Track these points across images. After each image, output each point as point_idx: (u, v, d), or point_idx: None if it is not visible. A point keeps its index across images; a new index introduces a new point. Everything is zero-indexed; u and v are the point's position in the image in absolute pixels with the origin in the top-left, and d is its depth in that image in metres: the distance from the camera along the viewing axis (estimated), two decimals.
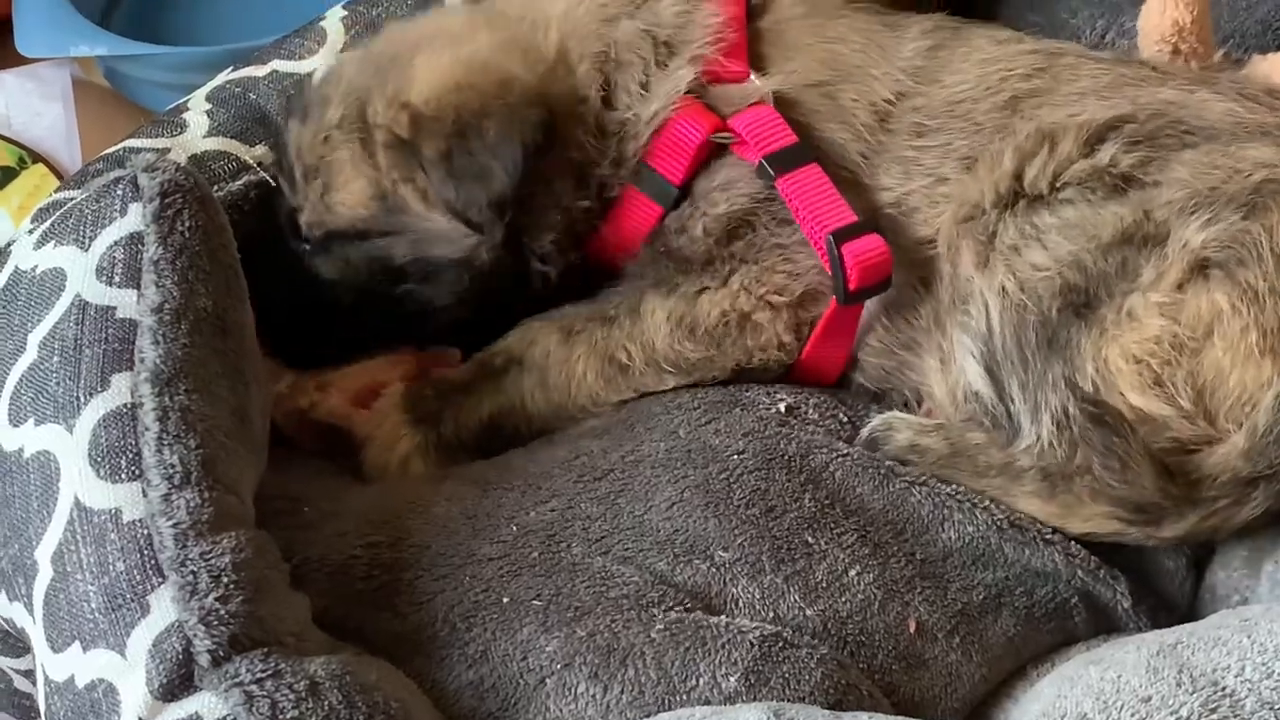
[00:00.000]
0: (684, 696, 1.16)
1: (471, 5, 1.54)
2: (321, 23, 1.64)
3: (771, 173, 1.38)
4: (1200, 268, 1.26)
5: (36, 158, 1.87)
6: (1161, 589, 1.34)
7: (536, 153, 1.38)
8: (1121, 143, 1.33)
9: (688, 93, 1.43)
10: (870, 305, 1.40)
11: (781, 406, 1.38)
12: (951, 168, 1.40)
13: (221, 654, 1.06)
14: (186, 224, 1.22)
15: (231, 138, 1.53)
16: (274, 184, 1.49)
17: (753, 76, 1.44)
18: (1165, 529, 1.26)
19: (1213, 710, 1.03)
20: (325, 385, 1.44)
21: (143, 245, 1.21)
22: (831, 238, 1.35)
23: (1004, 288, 1.32)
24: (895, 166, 1.42)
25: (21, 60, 1.96)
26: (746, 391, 1.39)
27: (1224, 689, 1.05)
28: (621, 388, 1.41)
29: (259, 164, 1.51)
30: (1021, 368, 1.31)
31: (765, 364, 1.42)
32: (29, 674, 1.27)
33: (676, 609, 1.21)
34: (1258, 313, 1.25)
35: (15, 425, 1.18)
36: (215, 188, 1.44)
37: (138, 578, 1.09)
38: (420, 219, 1.42)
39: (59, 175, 1.83)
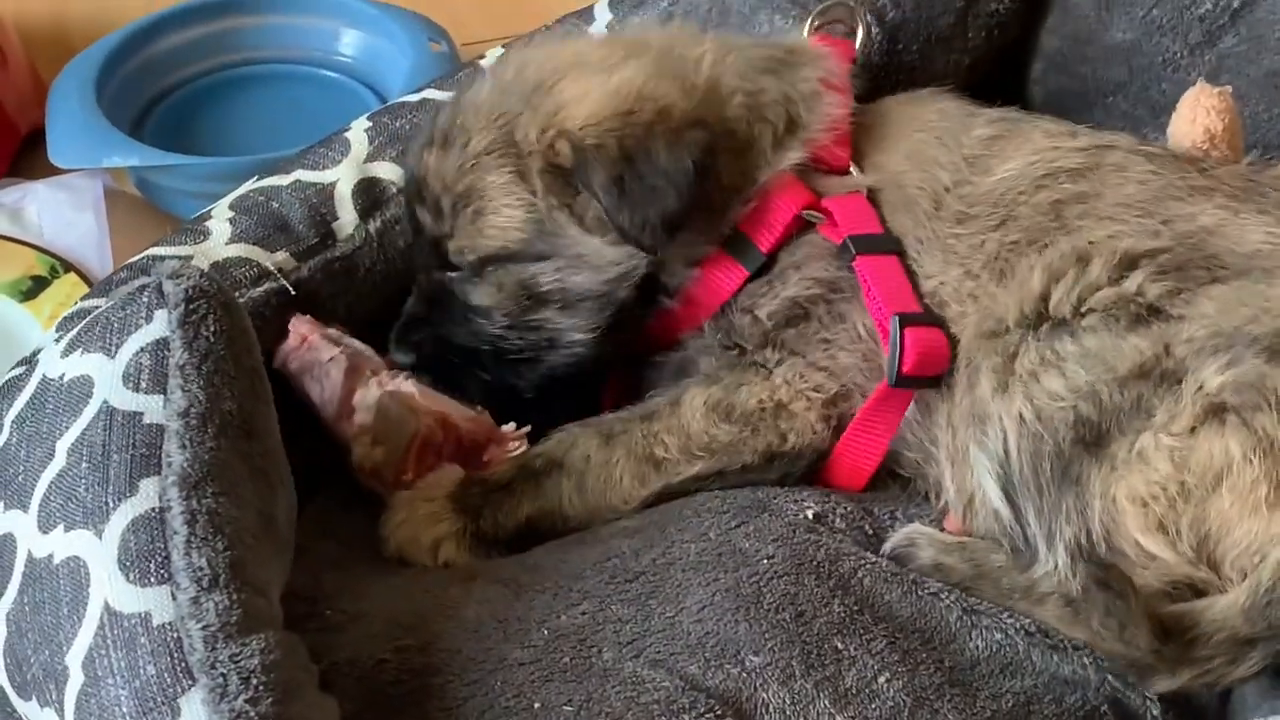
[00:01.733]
0: None
1: (607, 34, 1.60)
2: (346, 133, 1.66)
3: (853, 251, 1.40)
4: (1215, 412, 1.25)
5: (68, 267, 1.88)
6: (1191, 698, 1.30)
7: (703, 174, 1.40)
8: (1151, 271, 1.33)
9: (795, 169, 1.46)
10: (910, 404, 1.41)
11: (809, 513, 1.37)
12: (979, 263, 1.41)
13: None
14: (211, 329, 1.23)
15: (253, 244, 1.54)
16: (292, 293, 1.51)
17: (853, 169, 1.47)
18: (1157, 684, 1.24)
19: None
20: (409, 383, 1.46)
21: (168, 351, 1.21)
22: (896, 318, 1.36)
23: (1022, 415, 1.31)
24: (939, 253, 1.43)
25: (54, 170, 1.98)
26: (775, 498, 1.39)
27: None
28: (653, 482, 1.42)
29: (279, 270, 1.52)
30: (1037, 495, 1.30)
31: (798, 449, 1.43)
32: None
33: (707, 715, 1.19)
34: (1271, 465, 1.22)
35: (45, 532, 1.18)
36: (236, 294, 1.45)
37: (168, 681, 1.09)
38: (573, 243, 1.45)
39: (90, 284, 1.85)
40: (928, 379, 1.37)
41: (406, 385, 1.46)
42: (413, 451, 1.44)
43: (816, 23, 1.60)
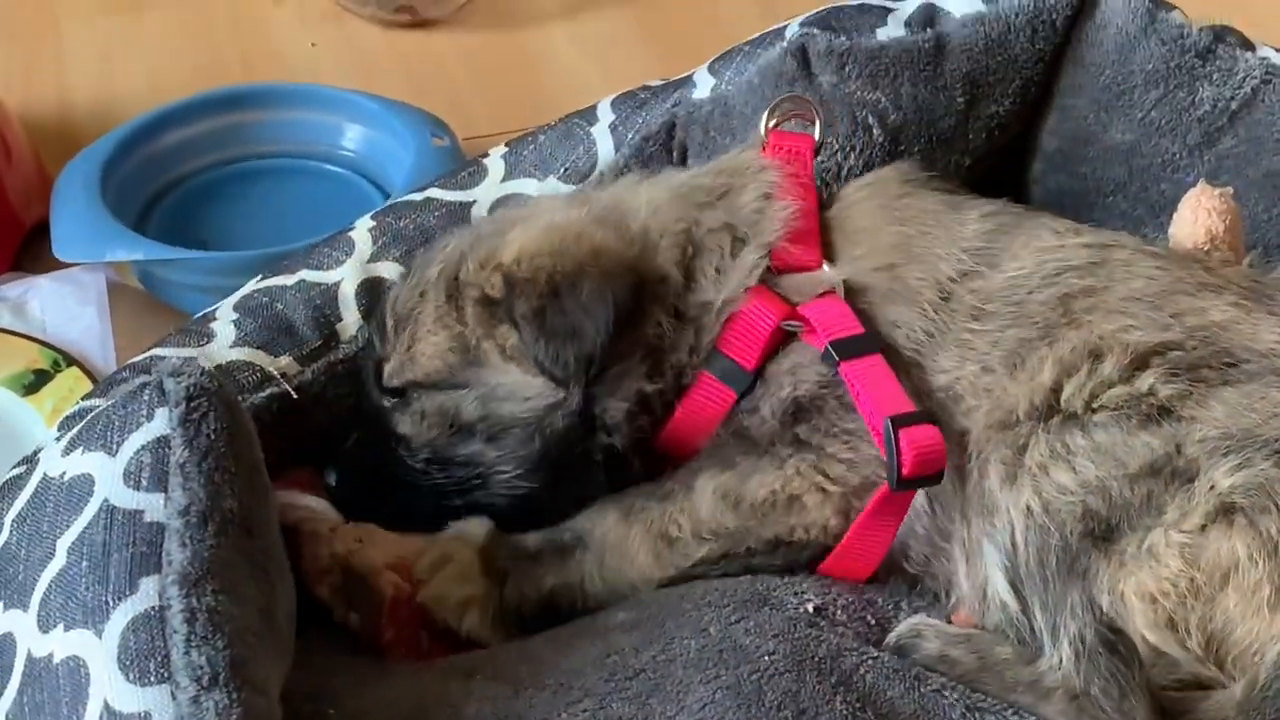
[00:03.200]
0: None
1: (563, 195, 1.62)
2: (350, 232, 1.67)
3: (835, 358, 1.40)
4: (1225, 512, 1.25)
5: (71, 361, 1.88)
6: None
7: (626, 316, 1.42)
8: (1163, 371, 1.33)
9: (760, 281, 1.47)
10: (920, 494, 1.40)
11: (810, 607, 1.36)
12: (997, 359, 1.41)
13: None
14: (212, 426, 1.23)
15: (257, 348, 1.54)
16: (294, 396, 1.52)
17: (824, 266, 1.48)
18: None
19: None
20: (367, 538, 1.45)
21: (169, 449, 1.22)
22: (889, 421, 1.35)
23: (1029, 507, 1.31)
24: (954, 349, 1.43)
25: (58, 264, 1.98)
26: (775, 590, 1.38)
27: None
28: (668, 563, 1.42)
29: (282, 375, 1.53)
30: (1043, 588, 1.30)
31: (805, 542, 1.42)
32: None
33: None
34: (1274, 567, 1.23)
35: (45, 631, 1.18)
36: (239, 398, 1.44)
37: None
38: (497, 373, 1.46)
39: (93, 379, 1.84)
40: (929, 478, 1.36)
41: (365, 537, 1.45)
42: (385, 614, 1.43)
43: (773, 120, 1.60)
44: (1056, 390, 1.36)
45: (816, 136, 1.59)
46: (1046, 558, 1.30)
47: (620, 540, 1.43)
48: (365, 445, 1.52)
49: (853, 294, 1.46)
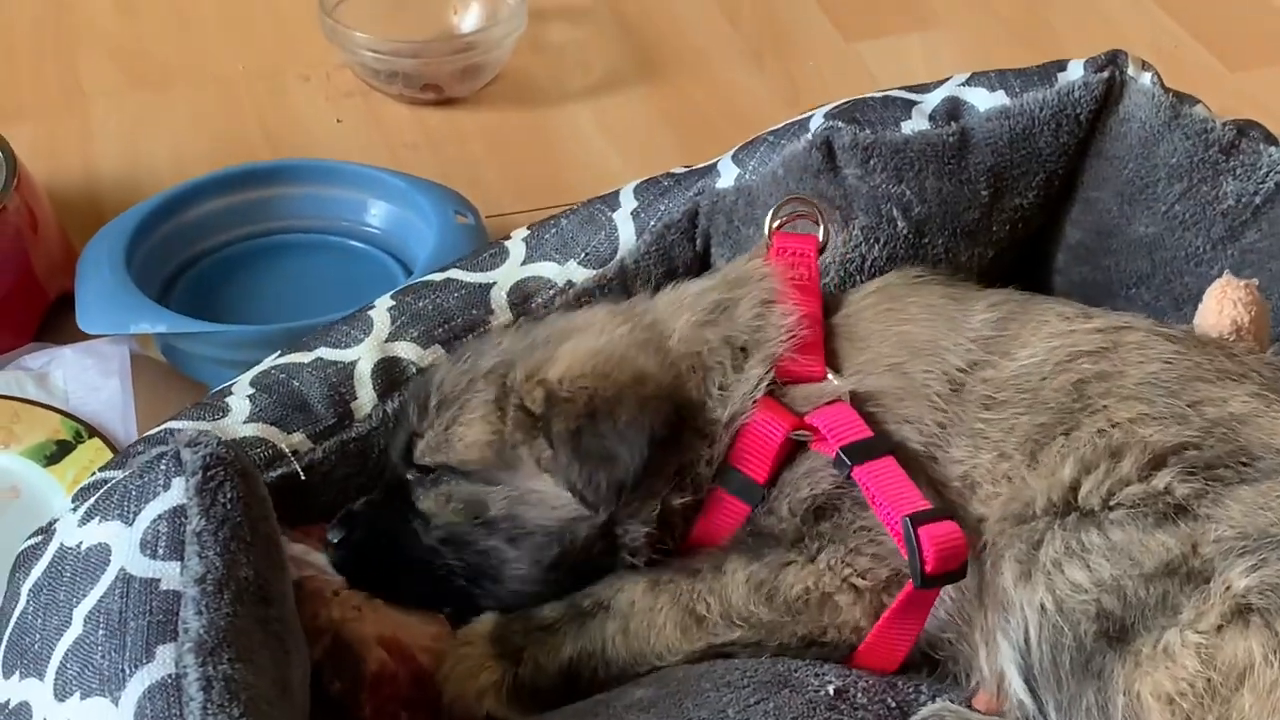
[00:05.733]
0: None
1: (615, 305, 1.60)
2: (369, 311, 1.68)
3: (848, 463, 1.39)
4: (1241, 612, 1.24)
5: (93, 432, 1.88)
6: None
7: (661, 445, 1.42)
8: (1179, 470, 1.33)
9: (767, 393, 1.47)
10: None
11: (830, 689, 1.35)
12: (1013, 445, 1.40)
13: None
14: (228, 495, 1.25)
15: (271, 424, 1.55)
16: (303, 478, 1.52)
17: (829, 375, 1.47)
18: None
19: None
20: (366, 608, 1.45)
21: (185, 518, 1.23)
22: (907, 520, 1.34)
23: (1043, 605, 1.31)
24: (966, 439, 1.42)
25: (81, 335, 1.99)
26: (795, 671, 1.37)
27: None
28: (695, 639, 1.41)
29: (294, 452, 1.53)
30: (1056, 688, 1.30)
31: (835, 643, 1.41)
32: None
33: None
34: None
35: (61, 700, 1.18)
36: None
37: None
38: (530, 479, 1.46)
39: (114, 450, 1.84)
40: (953, 574, 1.35)
41: (365, 608, 1.45)
42: (366, 689, 1.42)
43: (777, 222, 1.61)
44: (1075, 488, 1.35)
45: (820, 237, 1.60)
46: (1060, 657, 1.29)
47: (647, 609, 1.42)
48: (377, 510, 1.52)
49: (860, 400, 1.46)
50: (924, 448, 1.43)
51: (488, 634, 1.43)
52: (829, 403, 1.45)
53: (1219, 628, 1.24)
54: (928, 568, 1.33)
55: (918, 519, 1.35)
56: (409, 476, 1.52)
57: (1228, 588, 1.25)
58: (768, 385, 1.48)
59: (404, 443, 1.52)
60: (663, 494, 1.46)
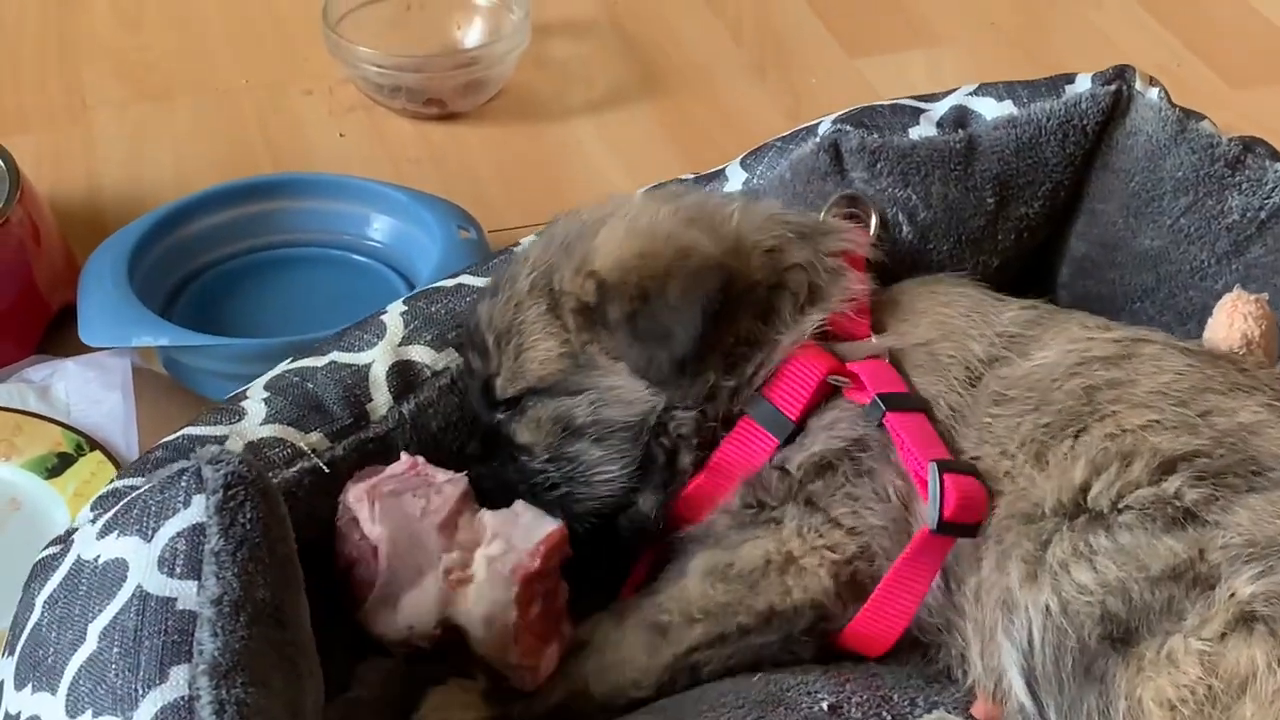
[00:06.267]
0: None
1: (649, 192, 1.65)
2: (382, 316, 1.68)
3: (883, 408, 1.42)
4: (1245, 620, 1.24)
5: (94, 444, 1.88)
6: None
7: (716, 316, 1.44)
8: (1189, 475, 1.33)
9: (815, 335, 1.49)
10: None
11: (824, 705, 1.36)
12: (1016, 444, 1.41)
13: None
14: (248, 516, 1.23)
15: (288, 424, 1.55)
16: (326, 471, 1.52)
17: (874, 337, 1.50)
18: None
19: None
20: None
21: (204, 537, 1.22)
22: (934, 464, 1.37)
23: (1048, 606, 1.31)
24: (973, 430, 1.43)
25: (84, 348, 1.98)
26: (788, 691, 1.38)
27: None
28: (663, 652, 1.42)
29: (313, 450, 1.53)
30: (1058, 691, 1.30)
31: (798, 605, 1.42)
32: None
33: None
34: None
35: (73, 716, 1.17)
36: (270, 474, 1.45)
37: None
38: (607, 375, 1.49)
39: (115, 463, 1.84)
40: (969, 526, 1.37)
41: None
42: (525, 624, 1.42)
43: (828, 215, 1.64)
44: (1085, 489, 1.36)
45: (872, 233, 1.64)
46: (1063, 659, 1.29)
47: (617, 640, 1.43)
48: (489, 460, 1.54)
49: (895, 362, 1.49)
50: (942, 424, 1.44)
51: (481, 690, 1.43)
52: (871, 358, 1.48)
53: (1223, 635, 1.24)
54: (947, 511, 1.35)
55: (944, 465, 1.37)
56: (499, 418, 1.54)
57: (1233, 594, 1.25)
58: (818, 330, 1.50)
59: (481, 390, 1.55)
60: (714, 373, 1.48)
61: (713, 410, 1.50)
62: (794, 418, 1.46)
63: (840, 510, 1.43)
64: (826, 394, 1.47)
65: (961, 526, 1.37)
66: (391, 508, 1.45)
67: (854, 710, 1.36)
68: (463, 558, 1.43)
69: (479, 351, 1.56)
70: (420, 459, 1.50)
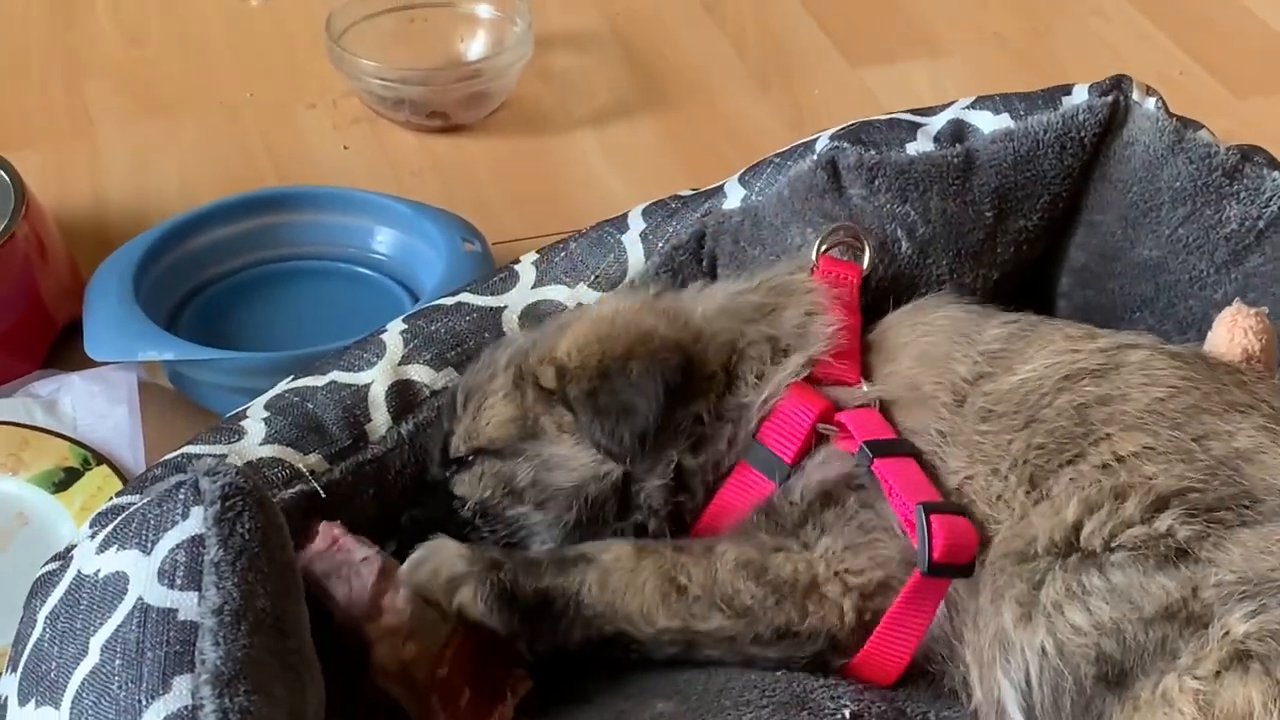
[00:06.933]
0: None
1: (624, 295, 1.68)
2: (382, 335, 1.69)
3: (870, 455, 1.42)
4: (1239, 659, 1.23)
5: (100, 459, 1.89)
6: None
7: (677, 390, 1.47)
8: (1182, 512, 1.32)
9: (803, 379, 1.50)
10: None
11: (846, 713, 1.36)
12: (1008, 465, 1.41)
13: None
14: (246, 526, 1.24)
15: (287, 445, 1.55)
16: (323, 495, 1.53)
17: (862, 384, 1.51)
18: None
19: None
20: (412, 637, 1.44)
21: (204, 548, 1.23)
22: (921, 506, 1.37)
23: (1044, 648, 1.31)
24: (963, 450, 1.44)
25: (90, 363, 1.99)
26: (812, 693, 1.38)
27: None
28: (673, 609, 1.42)
29: (311, 473, 1.54)
30: None
31: (815, 632, 1.42)
32: None
33: None
34: None
35: None
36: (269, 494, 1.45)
37: None
38: (550, 444, 1.52)
39: (122, 477, 1.85)
40: (960, 567, 1.37)
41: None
42: (452, 645, 1.43)
43: (824, 246, 1.64)
44: (1078, 527, 1.35)
45: (865, 267, 1.63)
46: (1061, 700, 1.29)
47: (629, 568, 1.43)
48: (422, 518, 1.55)
49: (884, 409, 1.49)
50: (928, 457, 1.44)
51: (459, 546, 1.44)
52: (859, 406, 1.49)
53: (1217, 673, 1.23)
54: (935, 554, 1.35)
55: (931, 507, 1.37)
56: (446, 474, 1.56)
57: (1226, 633, 1.24)
58: (804, 378, 1.51)
59: (440, 446, 1.58)
60: (678, 449, 1.49)
61: (687, 483, 1.51)
62: (789, 460, 1.47)
63: (857, 539, 1.43)
64: (816, 441, 1.48)
65: (953, 568, 1.37)
66: (324, 592, 1.45)
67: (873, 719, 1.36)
68: (390, 651, 1.43)
69: (449, 411, 1.59)
70: (338, 529, 1.48)
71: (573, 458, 1.51)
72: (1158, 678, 1.25)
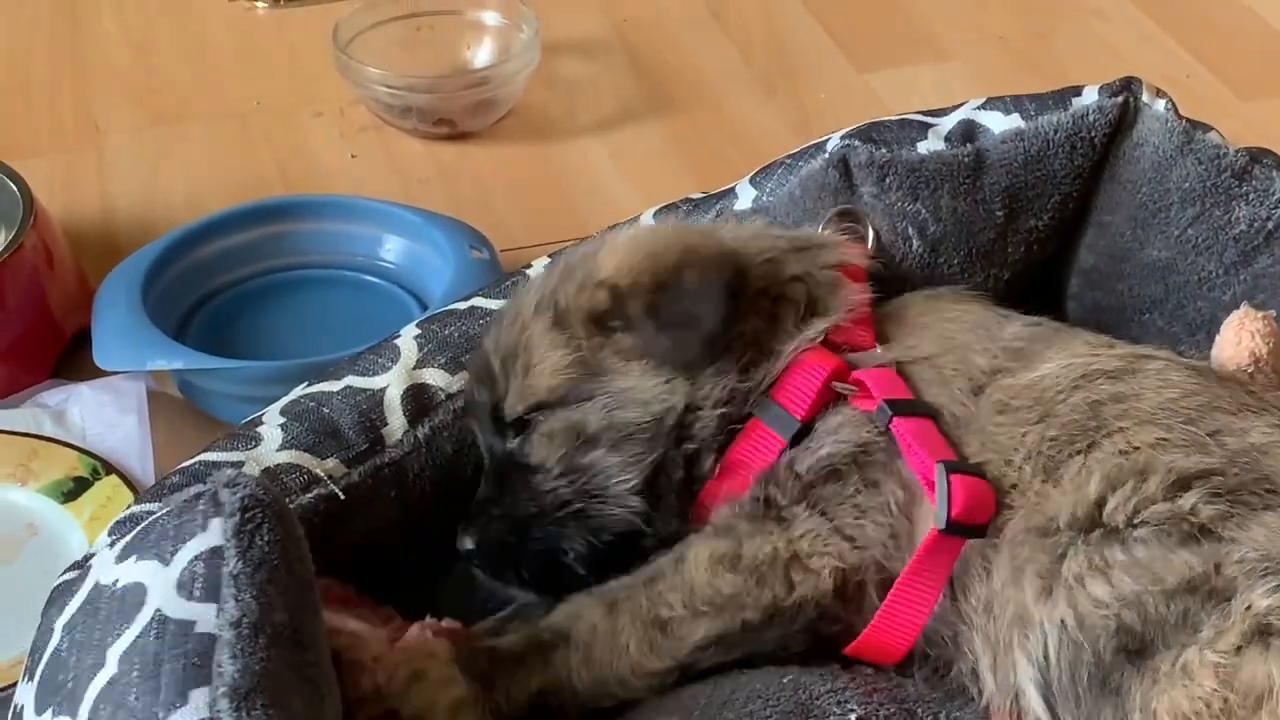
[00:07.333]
0: None
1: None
2: (396, 340, 1.69)
3: (889, 413, 1.42)
4: (1261, 633, 1.23)
5: (110, 469, 1.89)
6: None
7: (735, 294, 1.47)
8: (1205, 492, 1.32)
9: (821, 341, 1.51)
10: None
11: (853, 716, 1.35)
12: (1022, 457, 1.41)
13: None
14: (265, 538, 1.24)
15: (304, 451, 1.55)
16: (342, 498, 1.52)
17: (879, 348, 1.52)
18: None
19: None
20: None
21: (223, 560, 1.22)
22: (941, 465, 1.37)
23: (1064, 621, 1.31)
24: (976, 438, 1.44)
25: (98, 372, 1.99)
26: (818, 700, 1.37)
27: None
28: (662, 650, 1.40)
29: (329, 477, 1.54)
30: (1075, 705, 1.29)
31: (799, 603, 1.41)
32: None
33: None
34: None
35: None
36: (287, 500, 1.44)
37: None
38: (618, 377, 1.49)
39: (131, 487, 1.85)
40: (976, 527, 1.37)
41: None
42: None
43: (826, 230, 1.66)
44: (1100, 504, 1.35)
45: (869, 245, 1.65)
46: (1079, 673, 1.29)
47: (607, 634, 1.41)
48: (491, 499, 1.54)
49: (901, 373, 1.49)
50: (943, 434, 1.44)
51: (449, 655, 1.41)
52: (878, 367, 1.49)
53: (1238, 648, 1.23)
54: (954, 510, 1.35)
55: (952, 466, 1.37)
56: (509, 445, 1.54)
57: (1249, 607, 1.24)
58: (823, 338, 1.51)
59: (490, 417, 1.55)
60: (734, 368, 1.49)
61: (733, 412, 1.50)
62: (800, 417, 1.47)
63: (847, 520, 1.43)
64: (833, 400, 1.48)
65: (970, 527, 1.37)
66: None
67: None
68: None
69: (486, 381, 1.55)
70: (334, 587, 1.48)
71: (641, 388, 1.48)
72: (1178, 651, 1.25)
